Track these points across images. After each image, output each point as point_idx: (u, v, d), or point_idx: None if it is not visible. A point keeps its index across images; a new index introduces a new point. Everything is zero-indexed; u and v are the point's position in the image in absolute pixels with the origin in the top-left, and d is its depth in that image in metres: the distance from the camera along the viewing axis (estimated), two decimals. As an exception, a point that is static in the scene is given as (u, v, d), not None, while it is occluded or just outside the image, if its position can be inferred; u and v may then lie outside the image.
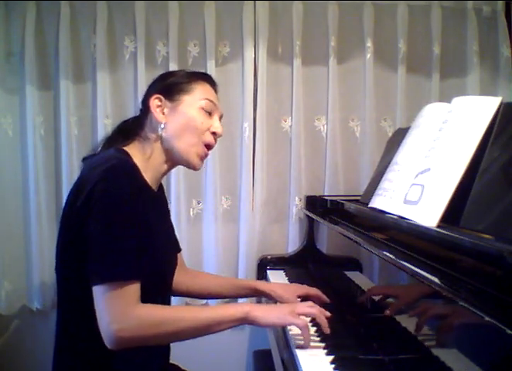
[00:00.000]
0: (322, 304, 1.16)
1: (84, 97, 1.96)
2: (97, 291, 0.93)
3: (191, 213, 2.01)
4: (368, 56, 1.95)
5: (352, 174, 2.01)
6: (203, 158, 1.14)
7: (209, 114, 1.14)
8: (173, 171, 1.92)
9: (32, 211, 1.92)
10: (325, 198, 1.76)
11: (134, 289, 0.94)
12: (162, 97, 1.11)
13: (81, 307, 1.00)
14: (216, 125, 1.14)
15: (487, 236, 0.78)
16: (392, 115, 2.00)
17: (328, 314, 1.07)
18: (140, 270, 0.96)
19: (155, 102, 1.10)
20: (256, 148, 1.95)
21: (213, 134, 1.14)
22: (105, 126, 1.91)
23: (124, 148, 1.09)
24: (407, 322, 0.95)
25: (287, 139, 2.00)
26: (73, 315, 1.03)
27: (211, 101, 1.14)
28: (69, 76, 1.91)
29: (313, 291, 1.29)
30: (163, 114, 1.10)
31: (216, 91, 1.19)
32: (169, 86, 1.13)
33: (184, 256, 1.94)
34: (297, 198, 1.98)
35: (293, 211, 1.99)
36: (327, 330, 1.05)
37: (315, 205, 1.84)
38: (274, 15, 1.96)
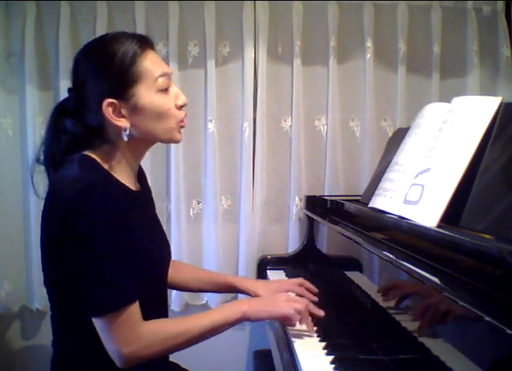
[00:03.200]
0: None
1: (84, 97, 1.95)
2: (98, 323, 0.92)
3: (191, 213, 2.00)
4: (368, 56, 1.95)
5: (352, 174, 2.01)
6: (180, 130, 1.08)
7: (167, 88, 1.03)
8: (173, 171, 1.93)
9: (32, 211, 1.92)
10: (325, 198, 1.76)
11: (133, 310, 0.93)
12: (114, 101, 0.97)
13: (73, 316, 1.00)
14: (179, 98, 1.05)
15: (487, 236, 0.79)
16: (392, 115, 2.00)
17: (315, 298, 1.20)
18: (135, 289, 0.94)
19: (109, 110, 0.97)
20: (256, 148, 1.95)
21: (181, 107, 1.06)
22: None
23: (91, 154, 1.01)
24: (408, 322, 0.96)
25: (287, 139, 1.99)
26: (67, 322, 1.03)
27: (163, 74, 1.01)
28: (69, 76, 1.90)
29: (295, 286, 1.26)
30: (123, 117, 0.99)
31: (155, 51, 1.05)
32: (116, 83, 0.98)
33: (184, 256, 1.97)
34: (297, 198, 1.98)
35: (293, 211, 1.99)
36: (320, 312, 1.11)
37: (315, 205, 1.84)
38: (274, 15, 1.95)
